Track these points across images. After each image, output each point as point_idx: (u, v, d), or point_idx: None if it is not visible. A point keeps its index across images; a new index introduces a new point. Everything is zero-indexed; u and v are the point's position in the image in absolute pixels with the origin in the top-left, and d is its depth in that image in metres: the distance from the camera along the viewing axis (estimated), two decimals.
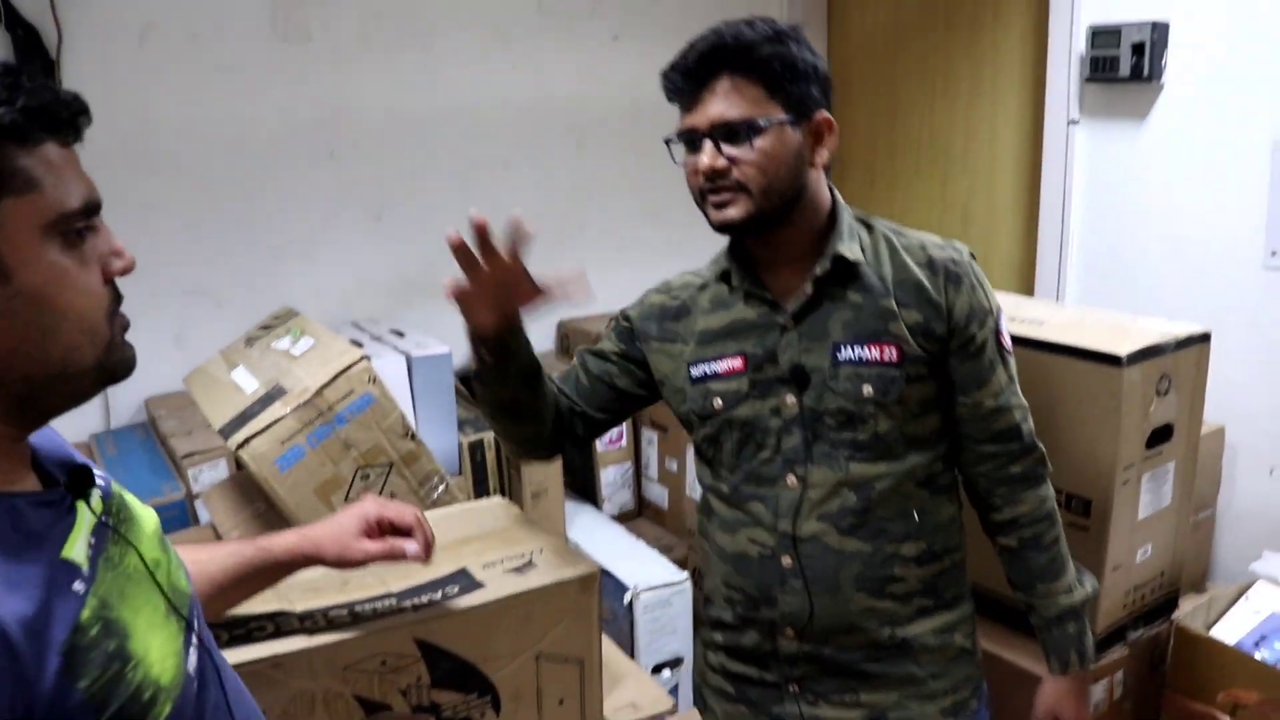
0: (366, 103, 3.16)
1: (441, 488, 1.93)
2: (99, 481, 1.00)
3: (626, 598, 2.52)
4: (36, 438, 0.97)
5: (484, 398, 1.62)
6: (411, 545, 1.36)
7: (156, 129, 2.87)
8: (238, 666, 1.29)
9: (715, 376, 1.58)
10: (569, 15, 3.43)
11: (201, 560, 1.28)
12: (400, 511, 1.40)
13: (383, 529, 1.39)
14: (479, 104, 3.33)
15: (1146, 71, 2.66)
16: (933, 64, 3.43)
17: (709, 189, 1.48)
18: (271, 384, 1.93)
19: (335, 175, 3.15)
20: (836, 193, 1.58)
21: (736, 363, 1.56)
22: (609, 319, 1.74)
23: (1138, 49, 2.66)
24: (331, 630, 1.38)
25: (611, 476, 3.07)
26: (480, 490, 2.64)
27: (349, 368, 1.87)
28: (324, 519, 1.42)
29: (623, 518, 3.05)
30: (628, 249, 3.64)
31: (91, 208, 0.90)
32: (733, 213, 1.47)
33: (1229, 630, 2.12)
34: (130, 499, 1.06)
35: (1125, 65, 2.69)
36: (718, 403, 1.57)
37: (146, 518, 1.05)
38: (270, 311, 2.43)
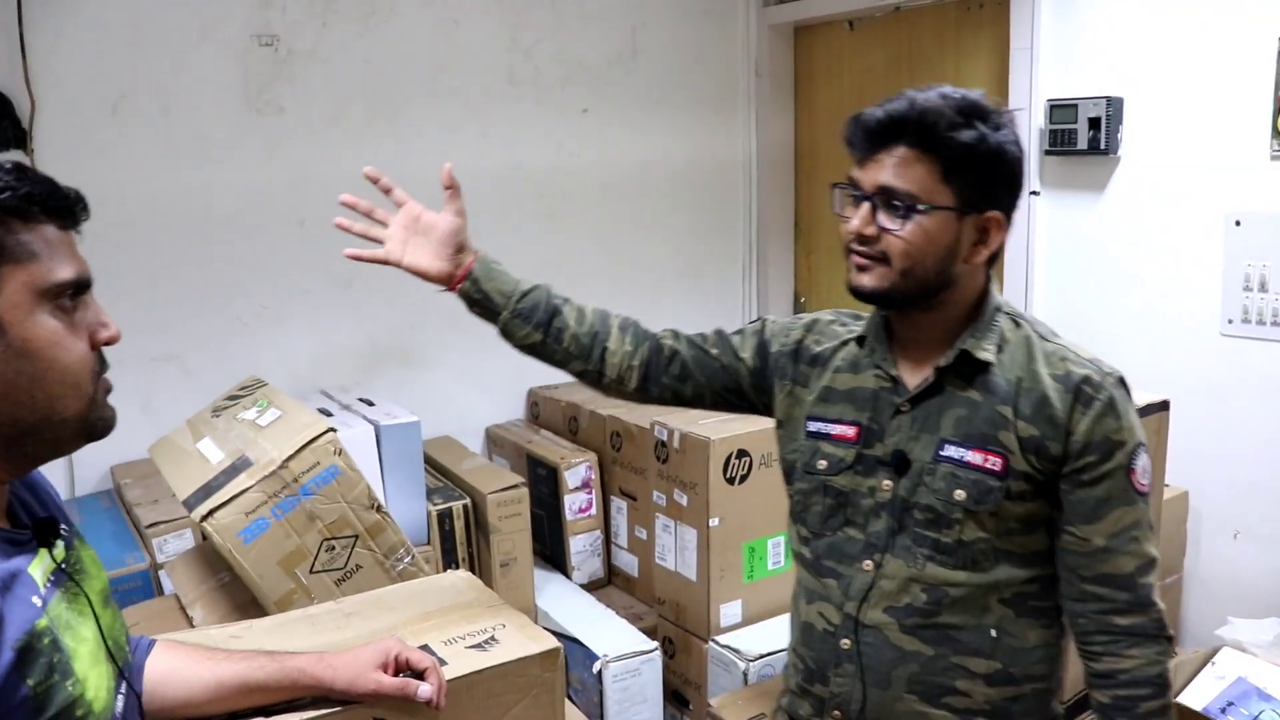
0: (337, 172, 3.18)
1: (407, 559, 1.92)
2: (64, 535, 1.13)
3: (596, 667, 2.50)
4: (27, 491, 1.14)
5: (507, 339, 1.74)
6: (426, 688, 1.36)
7: (128, 197, 2.88)
8: None
9: (827, 438, 1.56)
10: (539, 87, 3.48)
11: (213, 660, 1.34)
12: (420, 656, 1.40)
13: (399, 668, 1.38)
14: None
15: (1103, 145, 2.73)
16: None
17: (855, 250, 1.44)
18: (237, 455, 1.93)
19: (305, 244, 3.17)
20: (994, 286, 1.52)
21: (850, 431, 1.54)
22: (751, 321, 1.74)
23: (1094, 123, 2.74)
24: (292, 710, 1.36)
25: (581, 545, 3.06)
26: (449, 559, 2.63)
27: (315, 439, 1.87)
28: (346, 650, 1.42)
29: (592, 586, 3.04)
30: None
31: (82, 283, 1.05)
32: (868, 281, 1.43)
33: (1196, 696, 2.13)
34: (88, 556, 1.19)
35: (1083, 139, 2.76)
36: (823, 464, 1.55)
37: (98, 576, 1.18)
38: (238, 379, 2.43)
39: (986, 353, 1.45)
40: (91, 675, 1.03)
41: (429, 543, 2.61)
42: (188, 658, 1.34)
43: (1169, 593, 2.52)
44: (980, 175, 1.39)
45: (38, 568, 1.03)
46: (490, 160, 3.43)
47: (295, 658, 1.37)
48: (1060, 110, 2.81)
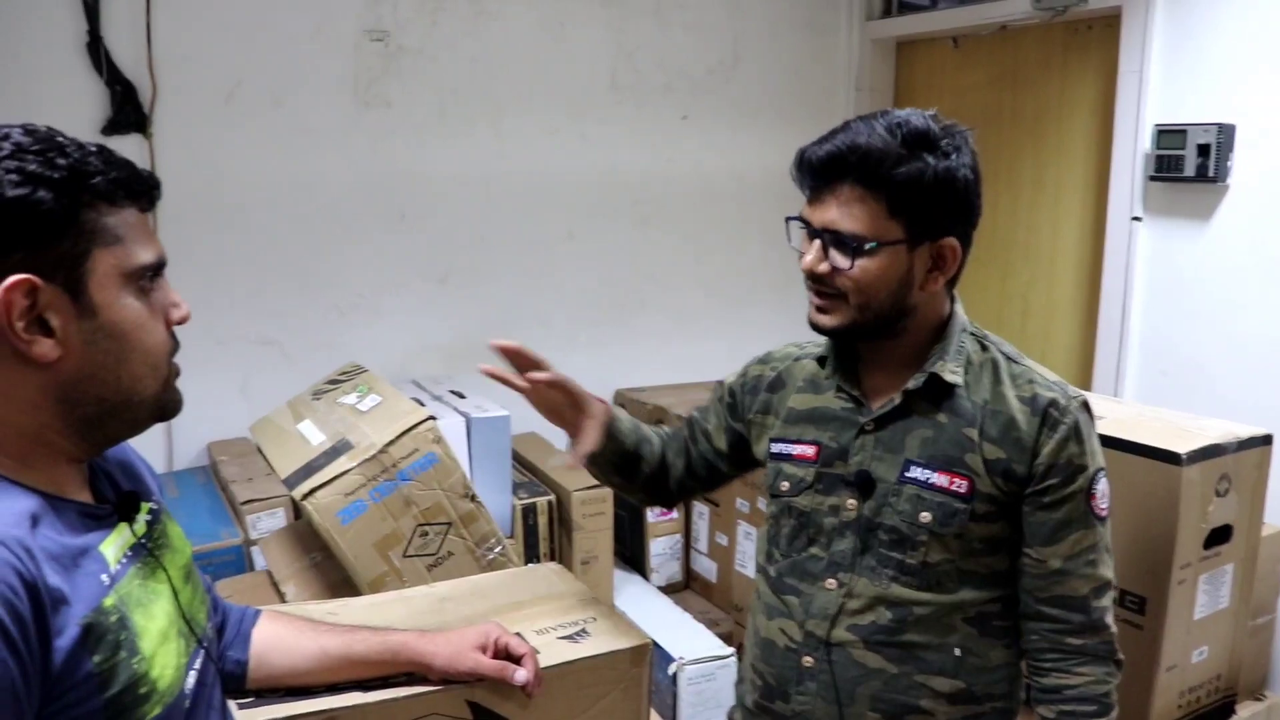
0: (439, 169, 3.25)
1: (498, 549, 1.95)
2: (148, 515, 1.16)
3: (671, 669, 2.51)
4: (114, 466, 1.17)
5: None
6: (522, 673, 1.38)
7: (236, 184, 2.96)
8: (293, 718, 1.33)
9: (789, 458, 1.56)
10: (639, 93, 3.51)
11: (317, 631, 1.39)
12: (518, 643, 1.43)
13: (498, 653, 1.41)
14: (547, 175, 3.41)
15: (1212, 172, 2.68)
16: (996, 157, 3.47)
17: (811, 288, 1.46)
18: (338, 438, 1.97)
19: (404, 237, 3.23)
20: (958, 306, 1.52)
21: (809, 451, 1.54)
22: (714, 385, 1.79)
23: (1203, 150, 2.68)
24: (386, 688, 1.40)
25: (661, 548, 3.08)
26: (531, 553, 2.66)
27: (414, 426, 1.91)
28: (448, 630, 1.45)
29: (670, 589, 3.05)
30: (685, 324, 3.70)
31: (160, 265, 1.07)
32: (827, 320, 1.45)
33: None
34: (174, 532, 1.22)
35: (1190, 165, 2.71)
36: (784, 485, 1.56)
37: (182, 551, 1.21)
38: (334, 365, 2.49)
39: (954, 375, 1.45)
40: (160, 653, 1.04)
41: (512, 536, 2.64)
42: (293, 627, 1.38)
43: (1261, 632, 2.46)
44: (928, 206, 1.37)
45: (112, 544, 1.05)
46: (588, 164, 3.46)
47: (397, 633, 1.40)
48: (1168, 135, 2.77)
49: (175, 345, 1.10)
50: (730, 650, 2.60)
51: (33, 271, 0.95)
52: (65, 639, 0.92)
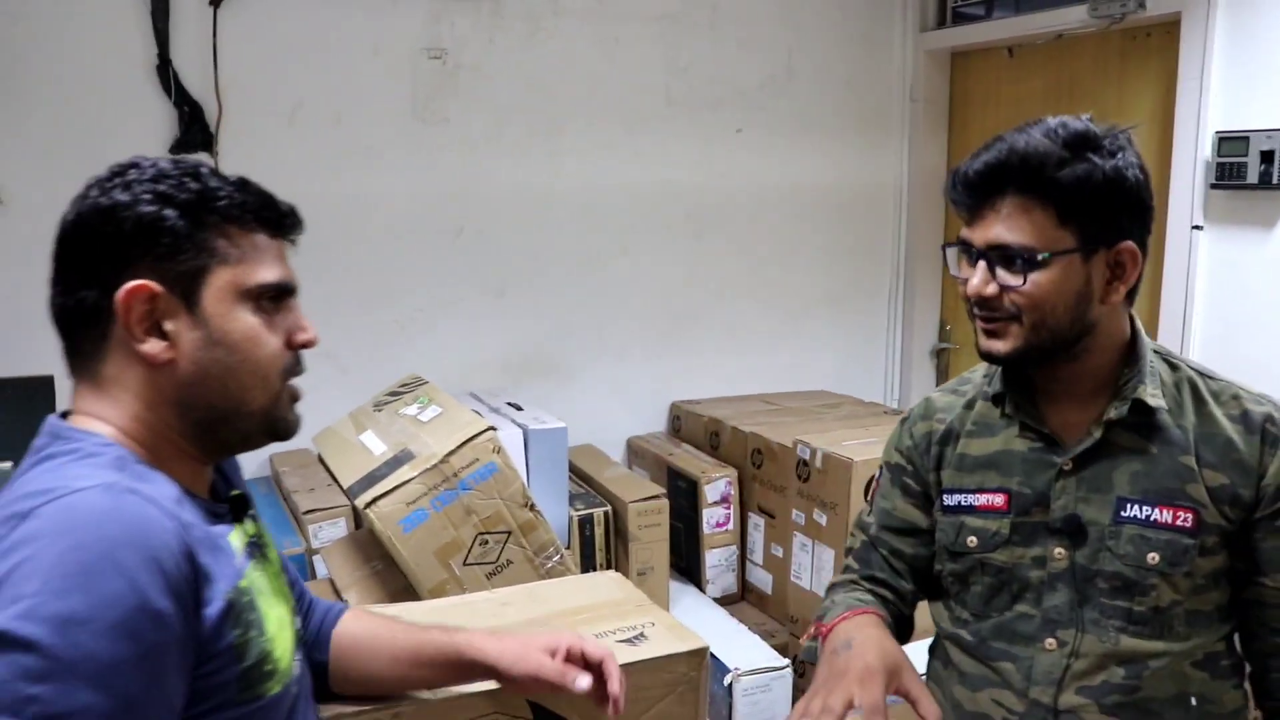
0: (495, 184, 3.29)
1: (556, 558, 1.97)
2: (252, 512, 1.22)
3: (726, 679, 2.51)
4: (223, 470, 1.23)
5: None
6: (585, 679, 1.35)
7: (298, 201, 2.94)
8: (359, 714, 1.35)
9: (971, 510, 1.42)
10: (695, 106, 3.53)
11: (391, 630, 1.41)
12: (596, 648, 1.39)
13: (570, 660, 1.38)
14: (602, 190, 3.44)
15: (1276, 179, 2.64)
16: None
17: (979, 315, 1.34)
18: (399, 448, 2.01)
19: (461, 252, 3.28)
20: (1138, 324, 1.39)
21: (998, 499, 1.40)
22: (879, 470, 1.59)
23: (1266, 156, 2.65)
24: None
25: (716, 559, 3.08)
26: (588, 564, 2.68)
27: (475, 437, 1.95)
28: (520, 633, 1.44)
29: (725, 601, 3.06)
30: (740, 337, 3.71)
31: (284, 288, 1.13)
32: (1000, 346, 1.32)
33: None
34: (267, 534, 1.27)
35: (1253, 172, 2.68)
36: (972, 540, 1.42)
37: (275, 560, 1.26)
38: (391, 379, 2.53)
39: (1158, 398, 1.33)
40: (279, 637, 1.10)
41: (569, 547, 2.66)
42: (370, 629, 1.40)
43: None
44: (1101, 210, 1.27)
45: (236, 538, 1.12)
46: (642, 178, 3.49)
47: (465, 632, 1.41)
48: (1230, 143, 2.74)
49: (296, 367, 1.15)
50: (785, 662, 2.60)
51: (155, 279, 1.03)
52: (213, 609, 0.99)
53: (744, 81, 3.61)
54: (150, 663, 0.90)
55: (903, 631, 1.52)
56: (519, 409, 2.81)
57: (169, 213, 1.04)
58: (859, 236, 3.88)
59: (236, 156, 2.91)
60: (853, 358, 3.88)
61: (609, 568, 2.69)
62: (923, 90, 3.80)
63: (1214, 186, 2.81)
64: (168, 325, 1.05)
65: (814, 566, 2.69)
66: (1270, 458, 1.31)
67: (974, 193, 1.30)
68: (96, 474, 0.97)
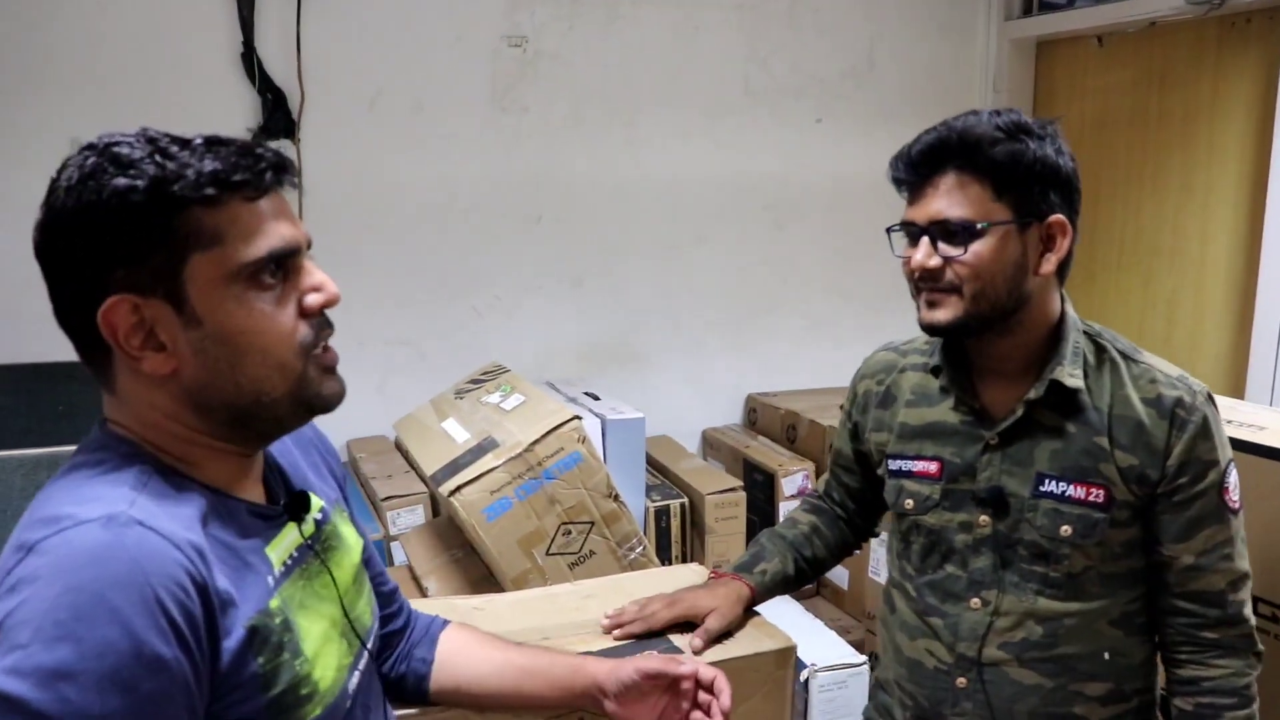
0: (574, 173, 3.29)
1: (639, 549, 1.96)
2: (318, 514, 1.12)
3: (803, 676, 2.48)
4: (289, 461, 1.16)
5: None
6: (688, 665, 1.32)
7: (378, 187, 3.04)
8: (445, 711, 1.35)
9: (909, 475, 1.54)
10: (774, 95, 3.50)
11: (501, 644, 1.38)
12: (709, 670, 1.34)
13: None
14: (680, 179, 3.42)
15: None
16: (1142, 160, 3.36)
17: (922, 287, 1.42)
18: (483, 436, 2.01)
19: (540, 240, 3.28)
20: (1068, 303, 1.48)
21: (932, 467, 1.51)
22: (839, 408, 1.76)
23: None
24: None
25: None
26: (663, 556, 2.67)
27: (560, 426, 1.93)
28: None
29: (801, 595, 3.02)
30: (819, 328, 3.67)
31: (282, 254, 0.98)
32: (940, 315, 1.41)
33: None
34: (346, 532, 1.20)
35: None
36: (909, 503, 1.54)
37: (354, 551, 1.19)
38: (469, 367, 2.53)
39: (1075, 379, 1.41)
40: (323, 654, 1.03)
41: (645, 538, 2.65)
42: (481, 638, 1.39)
43: None
44: (1033, 185, 1.36)
45: (278, 546, 1.04)
46: (721, 168, 3.46)
47: (579, 655, 1.39)
48: None
49: (320, 331, 1.02)
50: (862, 658, 2.56)
51: (132, 288, 0.93)
52: (232, 640, 0.92)
53: (824, 71, 3.56)
54: (147, 712, 0.84)
55: (844, 545, 1.77)
56: (596, 399, 2.80)
57: (128, 210, 0.92)
58: None
59: (317, 142, 2.93)
60: None
61: (685, 560, 2.67)
62: (1006, 81, 3.73)
63: None
64: (161, 333, 0.95)
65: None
66: (1176, 440, 1.39)
67: (916, 170, 1.41)
68: (110, 498, 0.90)
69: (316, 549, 1.10)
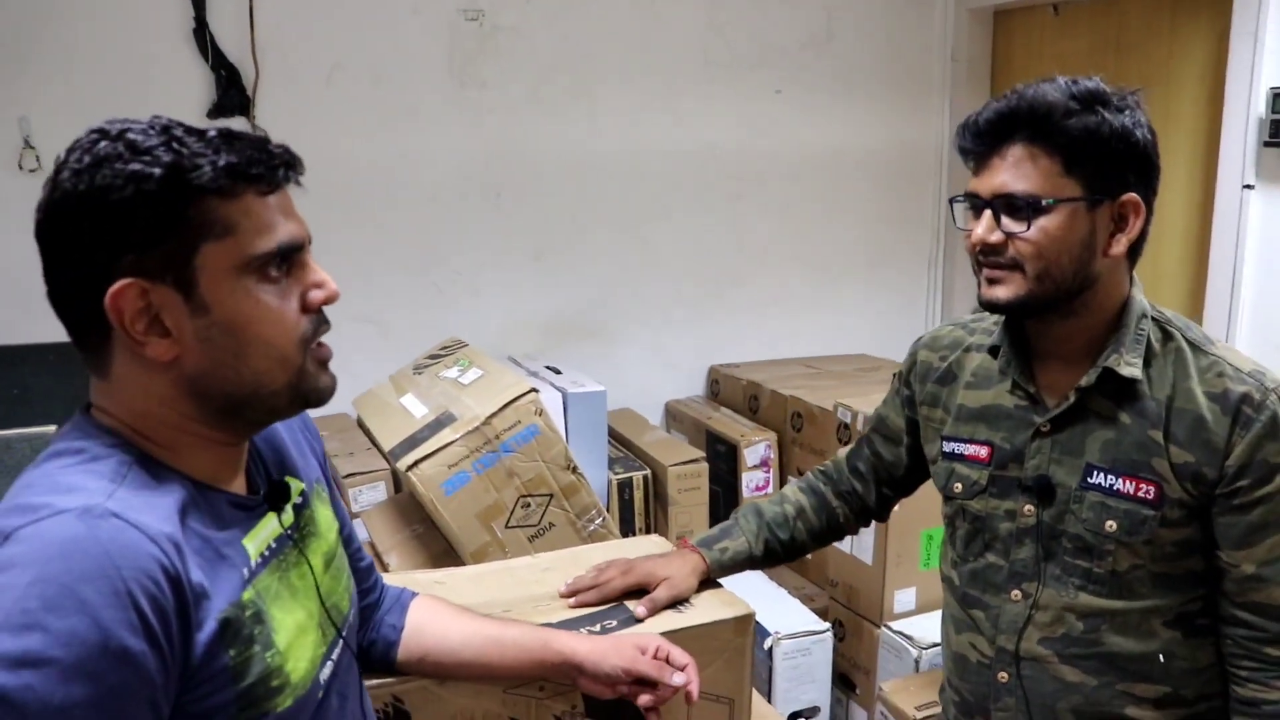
0: (534, 147, 3.28)
1: (599, 521, 1.97)
2: (297, 499, 1.14)
3: (767, 643, 2.51)
4: (273, 438, 1.17)
5: None
6: (680, 676, 1.35)
7: (336, 164, 3.02)
8: (405, 682, 1.36)
9: (961, 459, 1.50)
10: (733, 68, 3.49)
11: (470, 614, 1.40)
12: (681, 654, 1.39)
13: (658, 658, 1.38)
14: (641, 152, 3.41)
15: None
16: None
17: (983, 262, 1.35)
18: (441, 410, 2.01)
19: (500, 215, 3.27)
20: (1137, 287, 1.40)
21: (982, 451, 1.47)
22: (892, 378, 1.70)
23: None
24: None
25: None
26: (627, 528, 2.68)
27: (517, 399, 1.94)
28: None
29: None
30: (782, 300, 3.69)
31: (289, 248, 1.01)
32: (1000, 293, 1.33)
33: None
34: (323, 516, 1.20)
35: None
36: (957, 486, 1.50)
37: (326, 537, 1.19)
38: (431, 343, 2.53)
39: (1132, 368, 1.34)
40: (295, 646, 1.04)
41: (608, 511, 2.67)
42: (450, 608, 1.40)
43: None
44: (1106, 161, 1.29)
45: (255, 537, 1.04)
46: (682, 140, 3.46)
47: (550, 629, 1.40)
48: None
49: (319, 329, 1.05)
50: (826, 625, 2.60)
51: (142, 273, 0.94)
52: (205, 632, 0.93)
53: (783, 41, 3.56)
54: (110, 704, 0.84)
55: (834, 530, 1.74)
56: (558, 373, 2.81)
57: (143, 196, 0.92)
58: (899, 199, 3.84)
59: (274, 118, 2.91)
60: (893, 321, 3.85)
61: (648, 532, 2.69)
62: (965, 50, 3.74)
63: (1267, 144, 2.75)
64: (167, 319, 0.95)
65: None
66: (1239, 438, 1.30)
67: (982, 140, 1.33)
68: (88, 488, 0.91)
69: (295, 538, 1.11)
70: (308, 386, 1.04)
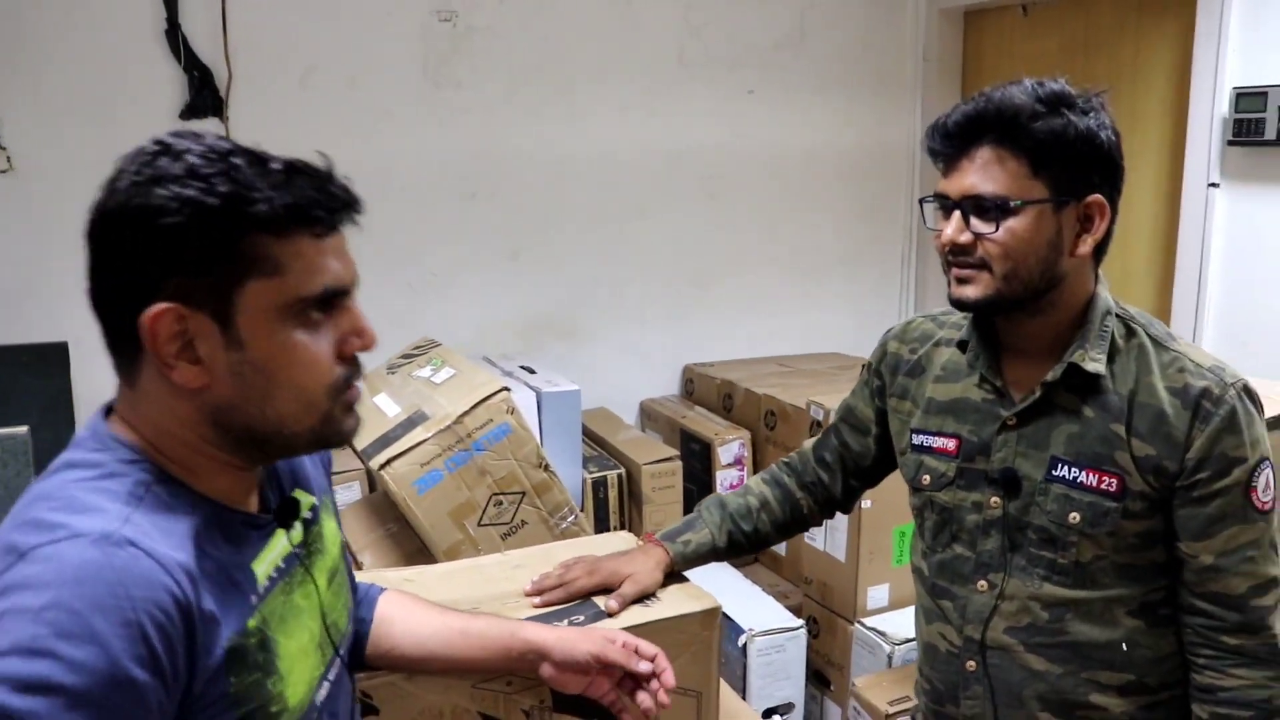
0: (509, 147, 3.29)
1: (571, 518, 1.98)
2: (307, 514, 1.12)
3: (741, 640, 2.53)
4: (284, 466, 1.14)
5: None
6: (646, 664, 1.36)
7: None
8: (373, 677, 1.36)
9: (929, 450, 1.52)
10: (708, 68, 3.51)
11: (438, 608, 1.39)
12: (649, 646, 1.39)
13: (626, 649, 1.39)
14: (616, 152, 3.43)
15: None
16: None
17: (952, 262, 1.37)
18: (413, 409, 2.02)
19: (475, 215, 3.28)
20: (1102, 285, 1.44)
21: (950, 444, 1.49)
22: (861, 369, 1.72)
23: None
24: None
25: None
26: (601, 526, 2.69)
27: (489, 397, 1.95)
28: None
29: (738, 562, 3.07)
30: (757, 299, 3.71)
31: (335, 293, 0.99)
32: (970, 291, 1.36)
33: None
34: (329, 530, 1.18)
35: (1271, 129, 2.65)
36: (925, 478, 1.53)
37: (330, 553, 1.17)
38: (406, 343, 2.53)
39: (1096, 364, 1.37)
40: (296, 669, 1.03)
41: (583, 510, 2.68)
42: (418, 602, 1.40)
43: None
44: (1073, 162, 1.31)
45: (264, 560, 1.03)
46: (657, 140, 3.48)
47: (516, 620, 1.41)
48: (1248, 99, 2.71)
49: (351, 378, 1.03)
50: (799, 622, 2.61)
51: (183, 298, 0.92)
52: (212, 660, 0.92)
53: (757, 41, 3.58)
54: None
55: (798, 522, 1.76)
56: (532, 372, 2.82)
57: (196, 224, 0.91)
58: (872, 198, 3.86)
59: (247, 121, 2.91)
60: (866, 319, 3.87)
61: (622, 530, 2.70)
62: (936, 50, 3.78)
63: (1231, 143, 2.79)
64: (200, 347, 0.94)
65: (827, 527, 2.69)
66: (1199, 432, 1.34)
67: (951, 142, 1.35)
68: (104, 510, 0.90)
69: (302, 556, 1.10)
70: (331, 430, 1.03)
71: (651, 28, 3.42)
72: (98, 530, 0.87)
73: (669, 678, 1.37)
